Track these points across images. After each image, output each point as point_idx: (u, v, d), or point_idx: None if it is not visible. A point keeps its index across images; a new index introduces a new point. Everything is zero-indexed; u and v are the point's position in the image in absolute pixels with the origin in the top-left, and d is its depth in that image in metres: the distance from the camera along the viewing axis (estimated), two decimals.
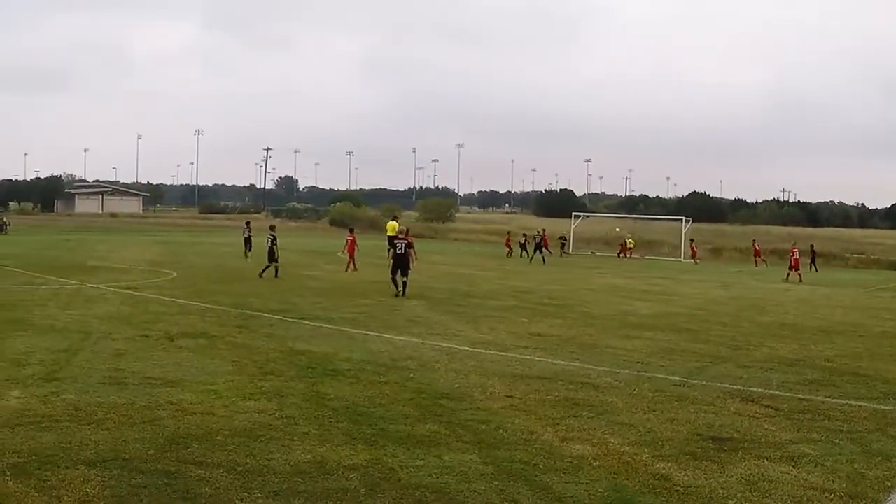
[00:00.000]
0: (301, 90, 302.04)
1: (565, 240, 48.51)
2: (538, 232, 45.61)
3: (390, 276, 22.84)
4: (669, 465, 7.66)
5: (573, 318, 19.26)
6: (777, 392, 11.20)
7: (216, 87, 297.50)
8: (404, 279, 22.57)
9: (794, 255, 37.89)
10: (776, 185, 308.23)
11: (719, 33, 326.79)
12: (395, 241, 23.94)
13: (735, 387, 11.40)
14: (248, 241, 35.57)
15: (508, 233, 51.92)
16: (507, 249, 48.12)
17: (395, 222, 39.50)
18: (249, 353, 12.70)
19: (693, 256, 52.90)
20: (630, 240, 56.05)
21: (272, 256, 27.12)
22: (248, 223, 38.58)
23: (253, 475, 6.89)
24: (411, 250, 23.61)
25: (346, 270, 30.56)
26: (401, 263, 22.72)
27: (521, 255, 45.75)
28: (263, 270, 26.66)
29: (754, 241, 54.36)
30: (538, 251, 43.52)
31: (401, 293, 22.17)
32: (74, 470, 6.83)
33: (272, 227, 29.40)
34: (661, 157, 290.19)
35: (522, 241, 47.15)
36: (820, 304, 26.09)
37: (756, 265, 48.90)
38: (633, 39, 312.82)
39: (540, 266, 40.31)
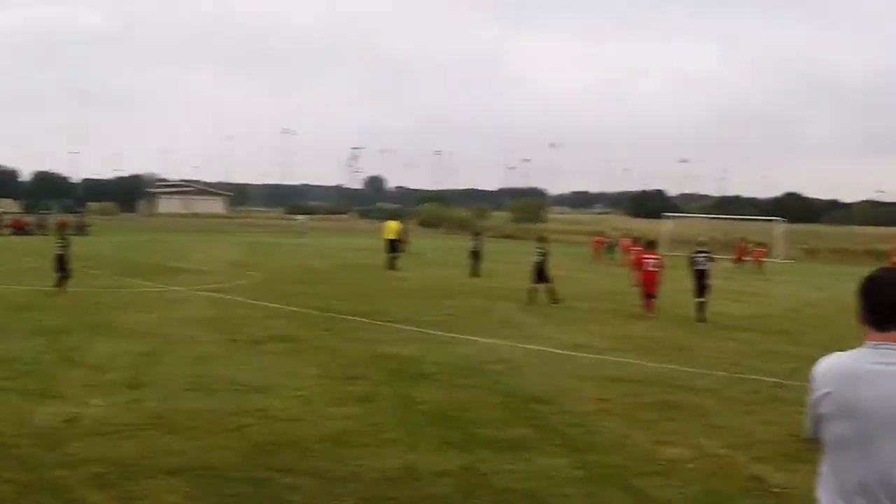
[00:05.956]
0: None
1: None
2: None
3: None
4: (766, 466, 7.55)
5: (666, 319, 18.54)
6: None
7: None
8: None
9: None
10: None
11: None
12: (696, 258, 19.15)
13: None
14: None
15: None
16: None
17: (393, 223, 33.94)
18: (336, 357, 12.50)
19: (739, 259, 40.96)
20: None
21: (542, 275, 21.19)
22: None
23: (342, 482, 6.74)
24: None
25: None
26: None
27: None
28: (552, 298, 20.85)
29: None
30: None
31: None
32: (157, 479, 6.68)
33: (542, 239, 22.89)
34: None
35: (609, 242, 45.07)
36: None
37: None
38: None
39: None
